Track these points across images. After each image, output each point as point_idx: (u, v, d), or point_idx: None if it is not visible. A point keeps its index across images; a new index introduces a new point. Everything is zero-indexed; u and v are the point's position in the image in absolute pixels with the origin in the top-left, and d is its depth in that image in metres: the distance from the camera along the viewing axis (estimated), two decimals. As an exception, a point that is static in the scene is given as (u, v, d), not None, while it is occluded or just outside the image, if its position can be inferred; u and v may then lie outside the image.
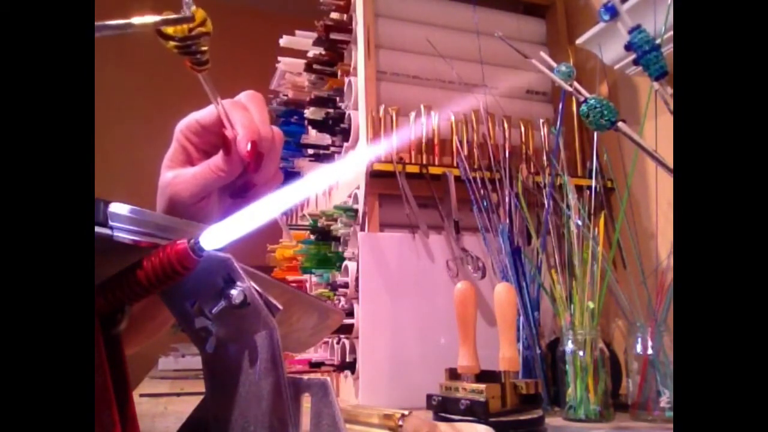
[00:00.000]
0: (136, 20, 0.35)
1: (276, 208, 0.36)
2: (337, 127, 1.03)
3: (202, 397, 0.39)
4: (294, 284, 1.10)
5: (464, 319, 0.68)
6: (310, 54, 1.16)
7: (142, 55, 2.29)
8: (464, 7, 1.07)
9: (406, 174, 0.89)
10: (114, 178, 1.78)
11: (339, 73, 1.07)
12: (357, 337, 0.87)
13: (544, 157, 0.96)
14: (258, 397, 0.34)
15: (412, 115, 0.95)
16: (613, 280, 0.75)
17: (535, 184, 0.92)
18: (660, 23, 0.73)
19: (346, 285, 0.89)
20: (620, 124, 0.56)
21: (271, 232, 1.50)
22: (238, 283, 0.34)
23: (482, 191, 0.89)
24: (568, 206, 0.79)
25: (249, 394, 0.35)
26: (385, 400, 0.80)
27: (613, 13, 0.60)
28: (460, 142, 0.94)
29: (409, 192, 0.88)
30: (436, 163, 0.94)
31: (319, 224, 1.00)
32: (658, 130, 0.76)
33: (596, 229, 0.78)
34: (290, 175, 1.28)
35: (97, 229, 0.32)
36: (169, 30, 0.38)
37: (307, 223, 1.07)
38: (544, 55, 0.67)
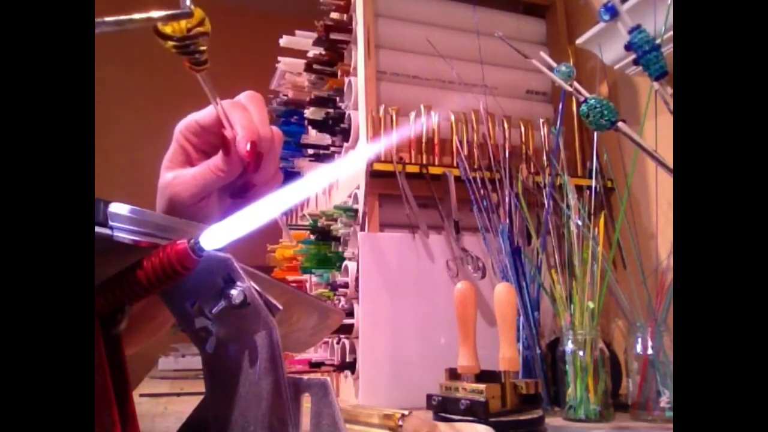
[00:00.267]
0: (135, 16, 0.35)
1: (276, 208, 0.36)
2: (337, 127, 1.03)
3: (202, 397, 0.39)
4: (294, 284, 1.10)
5: (464, 319, 0.68)
6: (310, 54, 1.16)
7: (142, 54, 2.28)
8: (464, 7, 1.07)
9: (406, 174, 0.89)
10: (114, 178, 1.78)
11: (339, 73, 1.07)
12: (357, 337, 0.87)
13: (544, 157, 0.96)
14: (258, 397, 0.34)
15: (412, 115, 0.95)
16: (613, 280, 0.75)
17: (535, 184, 0.92)
18: (660, 23, 0.73)
19: (346, 285, 0.89)
20: (620, 124, 0.56)
21: (271, 232, 1.50)
22: (238, 283, 0.34)
23: (482, 191, 0.89)
24: (568, 206, 0.79)
25: (249, 394, 0.35)
26: (385, 400, 0.80)
27: (613, 13, 0.60)
28: (460, 142, 0.94)
29: (409, 192, 0.88)
30: (436, 163, 0.94)
31: (319, 224, 1.00)
32: (658, 130, 0.76)
33: (596, 229, 0.78)
34: (290, 175, 1.28)
35: (97, 229, 0.32)
36: (167, 29, 0.38)
37: (307, 223, 1.07)
38: (544, 55, 0.67)
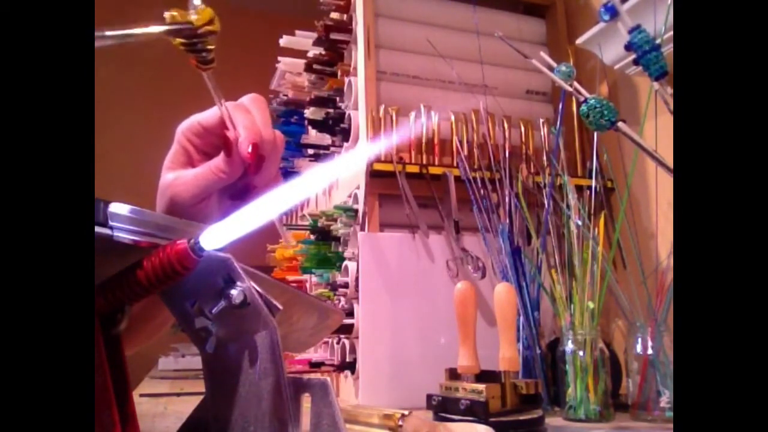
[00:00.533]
0: (136, 31, 0.35)
1: (276, 209, 0.36)
2: (337, 127, 1.03)
3: (202, 397, 0.39)
4: (294, 284, 1.10)
5: (464, 319, 0.68)
6: (310, 54, 1.16)
7: (142, 54, 2.29)
8: (464, 7, 1.07)
9: (406, 174, 0.89)
10: (114, 178, 1.78)
11: (339, 73, 1.07)
12: (357, 337, 0.87)
13: (544, 157, 0.96)
14: (258, 397, 0.34)
15: (412, 115, 0.95)
16: (613, 280, 0.75)
17: (535, 184, 0.92)
18: (660, 23, 0.73)
19: (346, 285, 0.89)
20: (620, 124, 0.56)
21: (271, 232, 1.50)
22: (238, 283, 0.34)
23: (482, 191, 0.89)
24: (568, 206, 0.79)
25: (249, 394, 0.35)
26: (385, 400, 0.80)
27: (613, 13, 0.60)
28: (460, 142, 0.94)
29: (409, 192, 0.88)
30: (436, 163, 0.94)
31: (319, 224, 1.00)
32: (658, 130, 0.76)
33: (596, 229, 0.78)
34: (290, 175, 1.28)
35: (97, 229, 0.32)
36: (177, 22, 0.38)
37: (307, 223, 1.07)
38: (544, 55, 0.67)
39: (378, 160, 0.89)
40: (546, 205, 0.87)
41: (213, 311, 0.34)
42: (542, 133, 1.00)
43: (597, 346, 0.73)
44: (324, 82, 1.11)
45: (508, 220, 0.86)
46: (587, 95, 0.57)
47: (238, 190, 0.47)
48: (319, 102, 1.10)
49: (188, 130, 0.47)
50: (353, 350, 0.89)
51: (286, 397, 0.34)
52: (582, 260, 0.76)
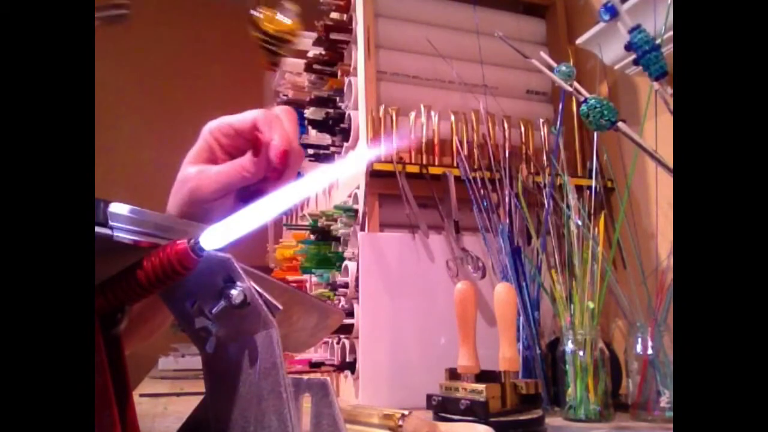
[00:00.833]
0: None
1: (276, 209, 0.36)
2: (337, 127, 1.03)
3: (202, 397, 0.39)
4: (294, 284, 1.10)
5: (464, 319, 0.68)
6: (310, 54, 1.16)
7: (143, 55, 2.29)
8: (464, 7, 1.07)
9: (406, 174, 0.89)
10: (114, 178, 1.78)
11: (339, 73, 1.07)
12: (357, 337, 0.87)
13: (544, 157, 0.96)
14: (258, 397, 0.34)
15: (412, 115, 0.95)
16: (613, 280, 0.75)
17: (535, 184, 0.92)
18: (660, 23, 0.73)
19: (346, 285, 0.89)
20: (620, 124, 0.56)
21: (270, 232, 1.50)
22: (238, 283, 0.34)
23: (482, 191, 0.89)
24: (568, 206, 0.79)
25: (249, 394, 0.35)
26: (385, 400, 0.80)
27: (613, 13, 0.60)
28: (460, 142, 0.94)
29: (409, 192, 0.88)
30: (436, 163, 0.94)
31: (319, 224, 1.00)
32: (658, 130, 0.76)
33: (596, 229, 0.78)
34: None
35: (97, 229, 0.32)
36: (264, 24, 0.40)
37: (307, 223, 1.07)
38: (544, 55, 0.67)
39: (378, 160, 0.89)
40: (546, 205, 0.87)
41: (213, 311, 0.34)
42: (542, 133, 0.99)
43: (597, 346, 0.73)
44: (324, 82, 1.11)
45: (508, 220, 0.87)
46: (587, 95, 0.57)
47: (249, 193, 0.48)
48: (319, 102, 1.10)
49: (218, 130, 0.48)
50: (353, 350, 0.89)
51: (286, 397, 0.34)
52: (582, 260, 0.76)
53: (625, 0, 0.76)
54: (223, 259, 0.34)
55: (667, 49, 0.59)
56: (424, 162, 0.93)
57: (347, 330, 0.87)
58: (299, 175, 0.45)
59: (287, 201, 0.37)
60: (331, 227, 0.97)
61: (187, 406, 0.40)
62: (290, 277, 1.17)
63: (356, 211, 0.93)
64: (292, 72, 1.29)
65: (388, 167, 0.89)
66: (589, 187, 0.86)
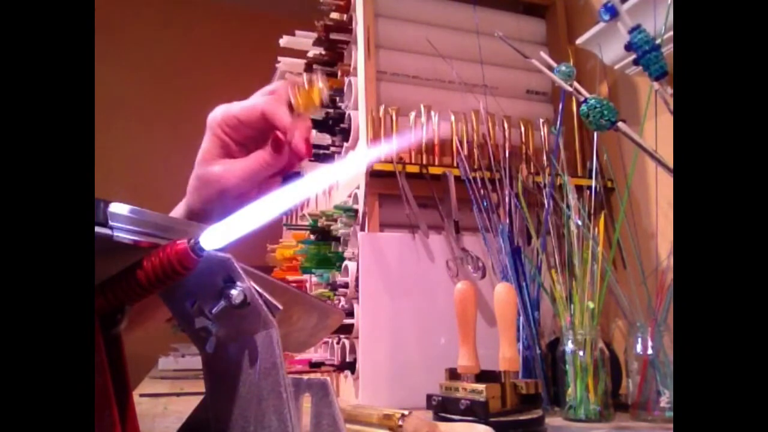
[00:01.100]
0: None
1: (276, 208, 0.36)
2: (337, 127, 1.03)
3: (202, 397, 0.39)
4: (294, 284, 1.10)
5: (464, 319, 0.68)
6: (310, 54, 1.16)
7: (143, 55, 2.29)
8: (464, 7, 1.07)
9: (406, 174, 0.89)
10: (114, 178, 1.78)
11: (339, 73, 1.07)
12: (357, 337, 0.87)
13: (544, 157, 0.96)
14: (258, 397, 0.34)
15: (412, 115, 0.95)
16: (613, 280, 0.75)
17: (535, 184, 0.92)
18: (660, 23, 0.73)
19: (346, 285, 0.89)
20: (620, 124, 0.56)
21: (271, 232, 1.50)
22: (238, 283, 0.34)
23: (482, 191, 0.89)
24: (568, 206, 0.79)
25: (249, 394, 0.35)
26: (385, 400, 0.80)
27: (613, 13, 0.60)
28: (460, 142, 0.94)
29: (409, 192, 0.88)
30: (436, 163, 0.94)
31: (319, 224, 1.00)
32: (658, 130, 0.76)
33: (596, 229, 0.78)
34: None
35: (97, 229, 0.32)
36: (298, 102, 0.47)
37: (307, 223, 1.07)
38: (544, 55, 0.67)
39: (378, 160, 0.89)
40: (546, 205, 0.87)
41: (213, 311, 0.34)
42: (542, 133, 0.99)
43: (597, 346, 0.73)
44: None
45: (508, 220, 0.86)
46: (587, 95, 0.57)
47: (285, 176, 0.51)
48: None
49: (224, 122, 0.49)
50: (353, 350, 0.89)
51: (286, 397, 0.34)
52: (582, 260, 0.76)
53: (625, 0, 0.76)
54: (223, 259, 0.34)
55: (667, 49, 0.58)
56: (424, 162, 0.93)
57: (347, 330, 0.87)
58: (299, 175, 0.46)
59: (287, 201, 0.37)
60: (331, 227, 0.97)
61: (187, 406, 0.40)
62: (290, 277, 1.17)
63: (356, 211, 0.93)
64: (292, 72, 1.29)
65: (388, 167, 0.89)
66: (589, 187, 0.86)
